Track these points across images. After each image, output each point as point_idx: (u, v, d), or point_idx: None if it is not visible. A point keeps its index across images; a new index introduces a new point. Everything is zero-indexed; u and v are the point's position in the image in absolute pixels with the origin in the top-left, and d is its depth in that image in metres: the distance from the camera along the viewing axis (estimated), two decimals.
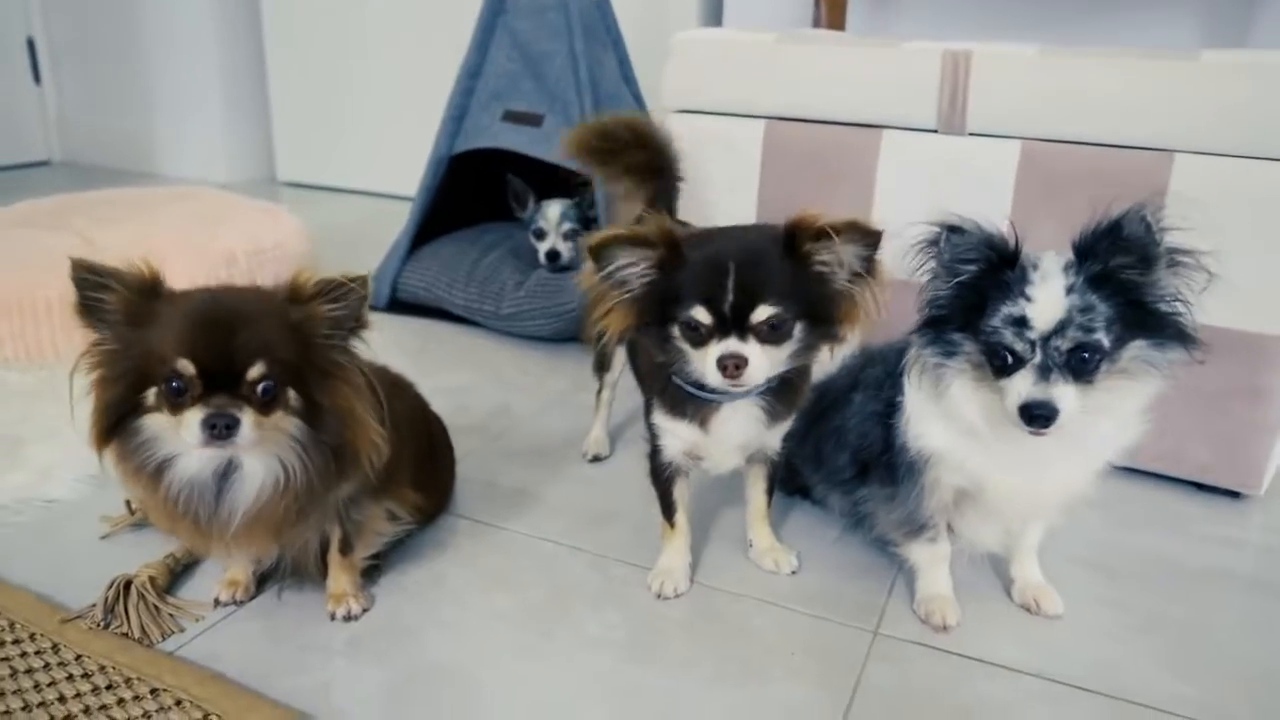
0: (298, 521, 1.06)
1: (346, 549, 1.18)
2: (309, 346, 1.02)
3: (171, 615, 1.16)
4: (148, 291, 0.99)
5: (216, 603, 1.19)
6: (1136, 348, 1.00)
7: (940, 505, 1.20)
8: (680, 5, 3.03)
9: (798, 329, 1.07)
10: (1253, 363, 1.45)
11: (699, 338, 1.07)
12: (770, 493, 1.33)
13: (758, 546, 1.34)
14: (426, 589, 1.25)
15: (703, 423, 1.18)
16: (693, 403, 1.17)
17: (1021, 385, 0.99)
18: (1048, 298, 0.98)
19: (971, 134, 1.55)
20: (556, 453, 1.65)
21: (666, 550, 1.29)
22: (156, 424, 1.00)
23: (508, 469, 1.59)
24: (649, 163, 1.49)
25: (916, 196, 1.54)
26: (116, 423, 0.99)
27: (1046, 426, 0.98)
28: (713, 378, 1.06)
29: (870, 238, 1.04)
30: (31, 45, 4.33)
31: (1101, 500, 1.51)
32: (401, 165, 3.04)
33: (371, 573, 1.25)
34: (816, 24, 2.45)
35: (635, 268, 1.07)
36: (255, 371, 0.97)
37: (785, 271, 1.05)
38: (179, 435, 0.97)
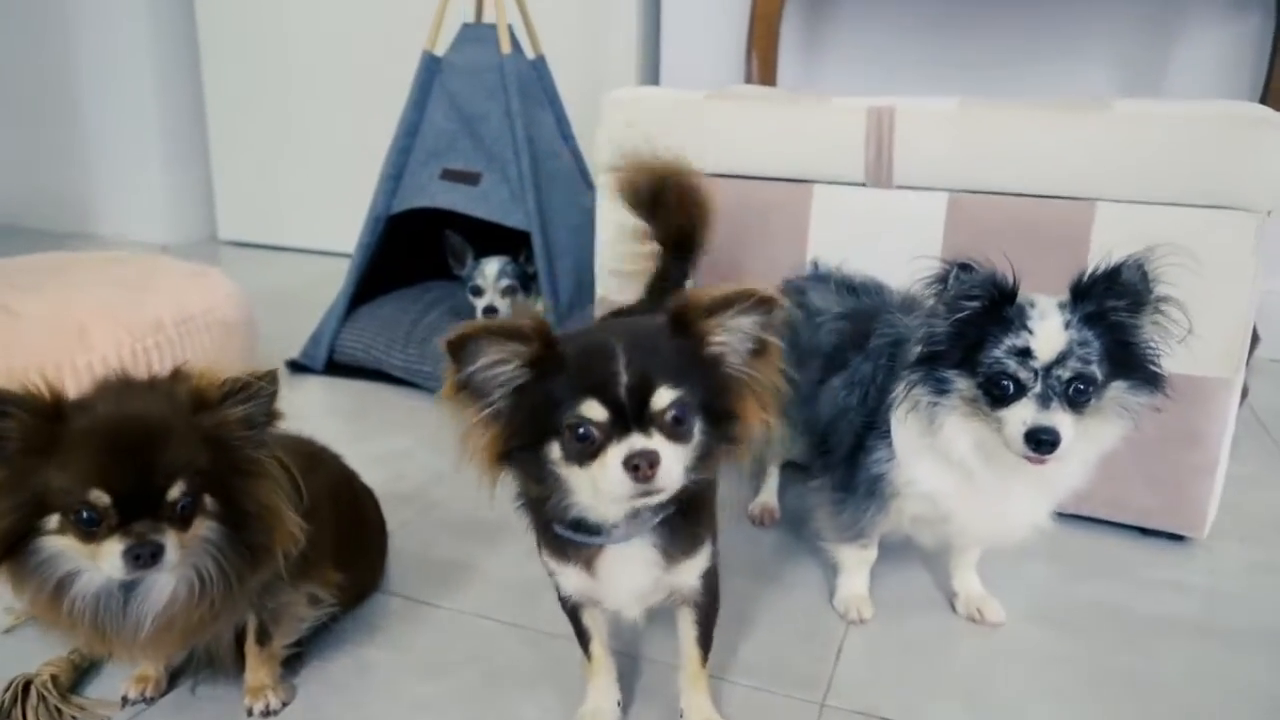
0: (211, 625, 1.00)
1: (264, 638, 1.12)
2: (224, 450, 0.96)
3: (74, 717, 1.09)
4: (49, 416, 0.92)
5: (125, 701, 1.12)
6: (1116, 389, 1.06)
7: (895, 526, 1.27)
8: (619, 65, 3.05)
9: (697, 426, 0.89)
10: (1188, 406, 1.45)
11: (590, 446, 0.85)
12: (705, 646, 1.08)
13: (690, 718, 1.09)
14: (353, 678, 1.19)
15: (588, 566, 0.98)
16: (573, 546, 0.98)
17: (1025, 413, 1.04)
18: (1049, 331, 1.03)
19: (899, 187, 1.55)
20: (494, 521, 1.59)
21: (589, 689, 1.11)
22: (57, 544, 0.93)
23: (444, 540, 1.54)
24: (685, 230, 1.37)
25: (848, 249, 1.53)
26: (9, 550, 0.92)
27: (1051, 452, 1.02)
28: (618, 487, 0.84)
29: (765, 305, 0.89)
30: None
31: (1049, 550, 1.52)
32: (344, 223, 2.99)
33: (293, 662, 1.19)
34: (749, 78, 2.47)
35: (503, 368, 0.87)
36: (175, 492, 0.92)
37: (678, 353, 0.89)
38: (94, 564, 0.91)
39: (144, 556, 0.90)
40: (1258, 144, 1.36)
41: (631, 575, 0.98)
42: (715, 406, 0.90)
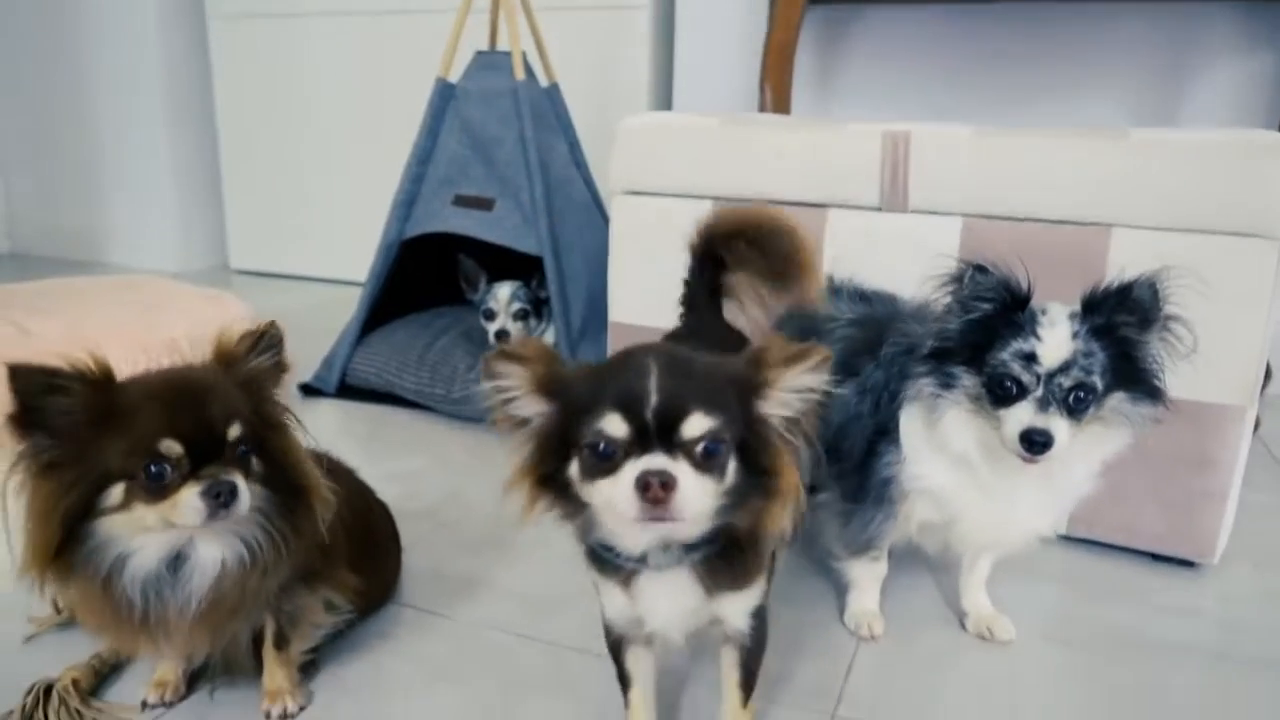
0: (257, 598, 1.02)
1: (282, 643, 1.12)
2: (260, 402, 1.02)
3: None
4: (103, 386, 0.94)
5: (144, 705, 1.12)
6: (1117, 399, 1.08)
7: (902, 534, 1.28)
8: (630, 91, 3.10)
9: (731, 467, 0.82)
10: (1200, 432, 1.46)
11: (608, 461, 0.80)
12: (748, 689, 1.02)
13: None
14: (368, 684, 1.19)
15: (626, 585, 0.93)
16: (613, 564, 0.93)
17: (1023, 414, 1.07)
18: (1056, 339, 1.06)
19: (914, 211, 1.58)
20: (507, 538, 1.60)
21: None
22: (113, 524, 0.94)
23: (457, 556, 1.54)
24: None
25: (863, 273, 1.55)
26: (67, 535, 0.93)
27: (1043, 453, 1.06)
28: (628, 508, 0.78)
29: (825, 365, 0.84)
30: None
31: (1060, 573, 1.52)
32: (356, 251, 3.03)
33: (309, 668, 1.19)
34: (762, 108, 2.51)
35: (516, 394, 0.85)
36: (234, 432, 0.96)
37: (728, 389, 0.83)
38: (169, 519, 0.92)
39: (223, 494, 0.93)
40: (1274, 171, 1.37)
41: (670, 598, 0.92)
42: (752, 457, 0.84)
